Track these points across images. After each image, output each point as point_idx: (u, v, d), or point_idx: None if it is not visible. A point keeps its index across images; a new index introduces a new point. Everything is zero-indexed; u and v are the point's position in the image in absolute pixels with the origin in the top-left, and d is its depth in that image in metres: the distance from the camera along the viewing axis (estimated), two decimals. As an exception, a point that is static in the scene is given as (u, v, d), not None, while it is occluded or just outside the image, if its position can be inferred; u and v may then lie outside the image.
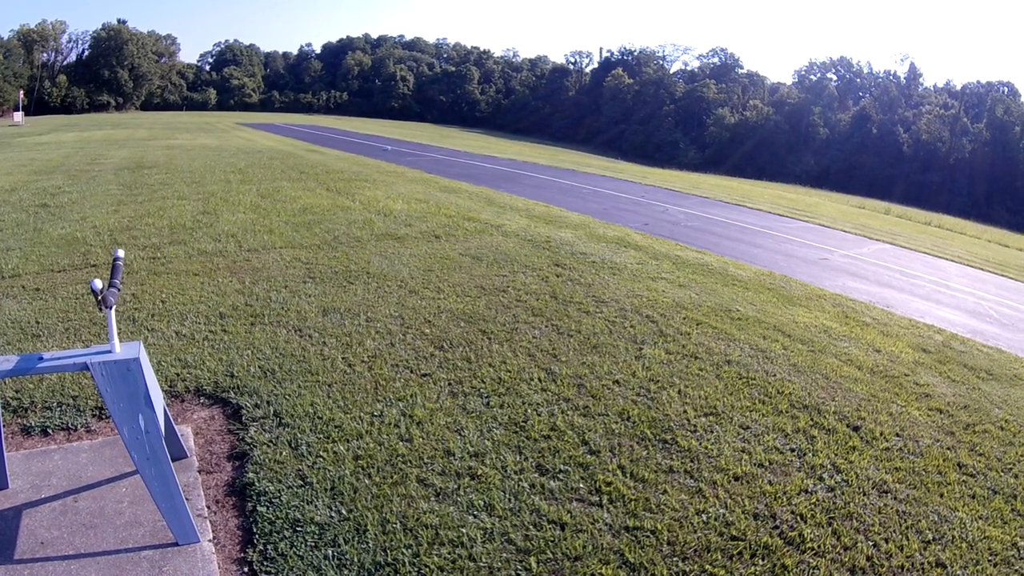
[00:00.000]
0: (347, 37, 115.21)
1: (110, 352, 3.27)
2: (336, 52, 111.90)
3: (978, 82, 78.75)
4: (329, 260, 8.85)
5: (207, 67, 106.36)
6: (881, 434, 5.56)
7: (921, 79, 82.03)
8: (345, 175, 18.12)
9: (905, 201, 50.93)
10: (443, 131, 67.86)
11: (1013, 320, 11.32)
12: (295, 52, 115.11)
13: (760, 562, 3.80)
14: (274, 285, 7.64)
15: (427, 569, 3.43)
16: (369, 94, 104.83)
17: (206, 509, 3.80)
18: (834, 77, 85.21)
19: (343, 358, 5.80)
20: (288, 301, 7.12)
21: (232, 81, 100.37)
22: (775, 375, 6.48)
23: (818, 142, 74.71)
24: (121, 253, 3.62)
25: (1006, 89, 76.82)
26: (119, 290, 3.32)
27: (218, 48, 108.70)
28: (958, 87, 79.61)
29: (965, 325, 10.15)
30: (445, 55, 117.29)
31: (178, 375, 5.29)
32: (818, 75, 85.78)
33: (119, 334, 5.75)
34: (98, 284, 3.09)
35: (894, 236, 20.63)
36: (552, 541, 3.73)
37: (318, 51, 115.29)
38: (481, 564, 3.51)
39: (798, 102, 79.62)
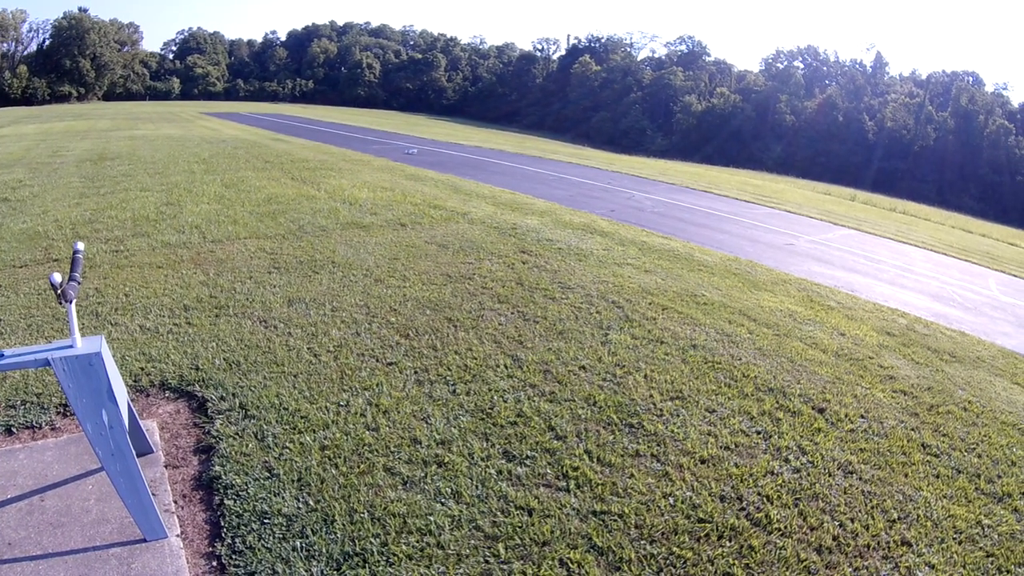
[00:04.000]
0: (313, 24, 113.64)
1: (71, 347, 3.21)
2: (301, 39, 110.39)
3: (943, 72, 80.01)
4: (294, 250, 8.77)
5: (170, 56, 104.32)
6: (846, 416, 5.65)
7: (887, 68, 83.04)
8: (310, 164, 17.95)
9: (871, 188, 51.70)
10: (409, 119, 67.38)
11: (976, 304, 11.54)
12: (260, 40, 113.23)
13: (727, 544, 3.85)
14: (239, 276, 7.55)
15: (395, 558, 3.43)
16: (335, 82, 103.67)
17: (173, 504, 3.76)
18: (801, 65, 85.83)
19: (308, 348, 5.75)
20: (253, 292, 7.05)
21: (196, 70, 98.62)
22: (741, 359, 6.55)
23: (785, 129, 75.31)
24: (81, 246, 3.56)
25: (971, 79, 78.10)
26: (79, 284, 3.26)
27: (181, 36, 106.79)
28: (924, 76, 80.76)
29: (929, 309, 10.33)
30: (411, 42, 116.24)
31: (142, 369, 5.22)
32: (785, 63, 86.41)
33: (82, 329, 5.68)
34: (57, 278, 3.04)
35: (859, 222, 20.92)
36: (520, 527, 3.74)
37: (283, 39, 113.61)
38: (449, 551, 3.51)
39: (765, 90, 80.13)
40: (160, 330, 5.95)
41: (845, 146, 70.73)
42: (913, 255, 16.18)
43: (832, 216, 21.19)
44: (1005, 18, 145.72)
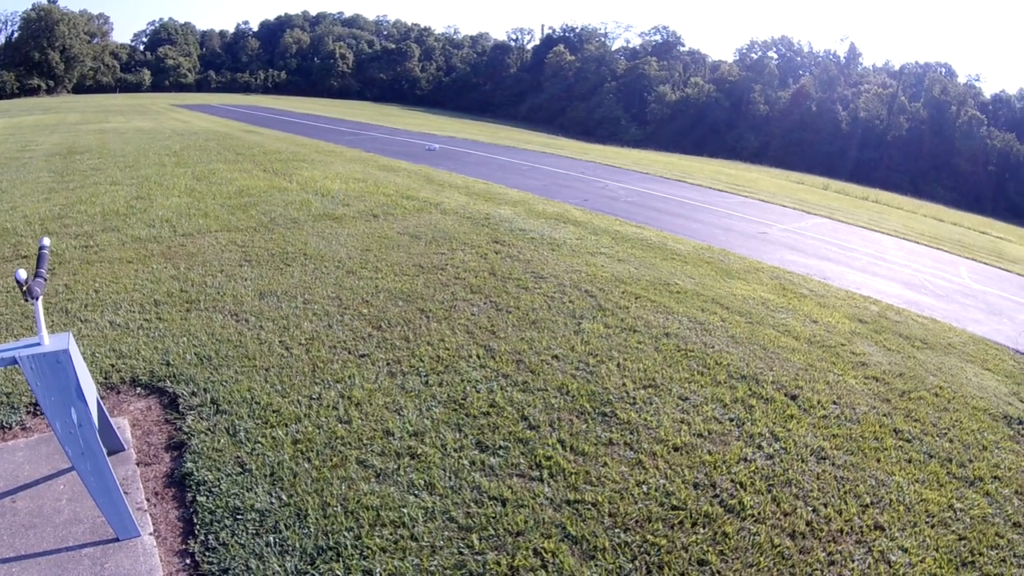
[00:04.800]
0: (285, 15, 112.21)
1: (39, 344, 3.16)
2: (274, 30, 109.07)
3: (917, 63, 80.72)
4: (266, 242, 8.69)
5: (141, 47, 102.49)
6: (818, 402, 5.71)
7: (861, 59, 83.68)
8: (282, 155, 17.80)
9: (844, 177, 52.11)
10: (383, 109, 66.97)
11: (947, 291, 11.69)
12: (232, 30, 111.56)
13: (701, 530, 3.88)
14: (210, 270, 7.48)
15: (369, 551, 3.42)
16: (308, 73, 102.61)
17: (145, 502, 3.72)
18: (775, 56, 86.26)
19: (280, 341, 5.72)
20: (224, 285, 6.98)
21: (167, 61, 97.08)
22: (713, 347, 6.59)
23: (758, 119, 75.73)
24: (47, 241, 3.50)
25: (944, 70, 78.97)
26: (46, 280, 3.22)
27: (152, 27, 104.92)
28: (897, 67, 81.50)
29: (901, 296, 10.45)
30: (385, 32, 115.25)
31: (113, 366, 5.15)
32: (759, 53, 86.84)
33: (51, 326, 5.62)
34: (22, 274, 2.99)
35: (832, 211, 21.09)
36: (494, 517, 3.75)
37: (255, 29, 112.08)
38: (423, 543, 3.51)
39: (739, 80, 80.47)
40: (130, 326, 5.87)
41: (819, 136, 71.27)
42: (885, 243, 16.35)
43: (805, 205, 21.34)
44: (978, 9, 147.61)
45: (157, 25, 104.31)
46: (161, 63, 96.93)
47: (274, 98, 77.53)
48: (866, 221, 20.03)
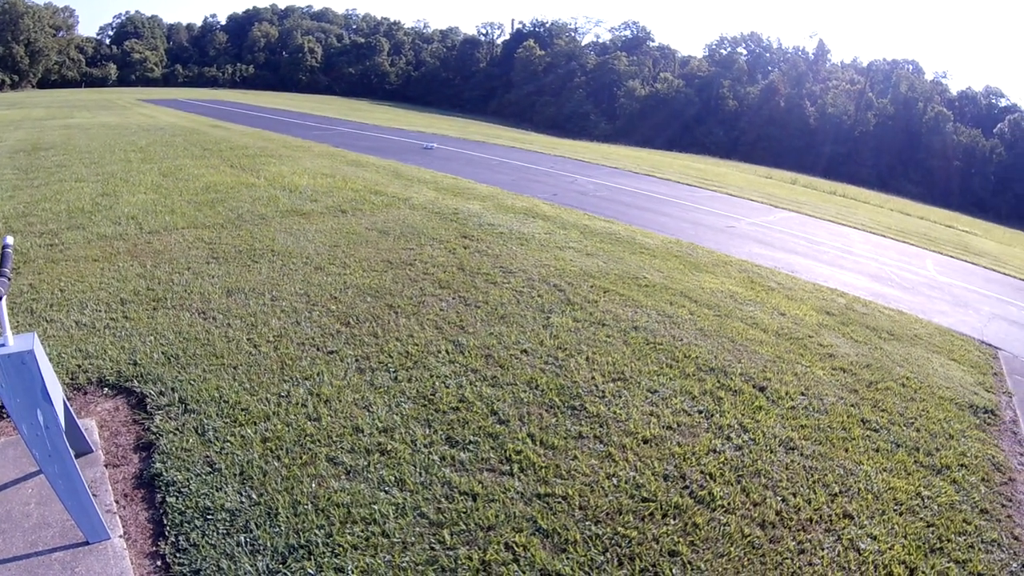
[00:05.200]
0: (253, 8, 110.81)
1: (3, 345, 3.12)
2: (242, 23, 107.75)
3: (884, 59, 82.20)
4: (233, 239, 8.60)
5: (107, 41, 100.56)
6: (787, 393, 5.80)
7: (829, 56, 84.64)
8: (250, 151, 17.60)
9: (811, 172, 52.71)
10: (352, 104, 66.51)
11: (913, 284, 11.89)
12: (199, 24, 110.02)
13: (672, 522, 3.93)
14: (176, 267, 7.39)
15: (341, 549, 3.43)
16: (276, 67, 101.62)
17: (115, 504, 3.68)
18: (744, 52, 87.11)
19: (248, 339, 5.67)
20: (191, 283, 6.90)
21: (133, 55, 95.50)
22: (682, 340, 6.66)
23: (728, 114, 76.46)
24: (10, 240, 3.45)
25: (911, 67, 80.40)
26: (9, 280, 3.17)
27: (118, 20, 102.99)
28: (865, 64, 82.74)
29: (868, 289, 10.62)
30: (354, 26, 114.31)
31: (79, 366, 5.07)
32: (729, 49, 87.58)
33: (16, 327, 5.52)
34: None
35: (800, 205, 21.34)
36: (465, 512, 3.77)
37: (223, 22, 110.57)
38: (395, 540, 3.52)
39: (708, 75, 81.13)
40: (97, 325, 5.79)
41: (787, 131, 72.13)
42: (853, 237, 16.58)
43: (773, 199, 21.56)
44: (946, 8, 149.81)
45: (123, 18, 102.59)
46: (127, 57, 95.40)
47: (242, 93, 76.70)
48: (834, 215, 20.30)
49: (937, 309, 10.21)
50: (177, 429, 4.31)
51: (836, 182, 43.41)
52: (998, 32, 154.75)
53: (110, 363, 5.13)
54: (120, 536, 3.45)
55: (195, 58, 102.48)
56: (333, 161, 16.93)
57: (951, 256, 16.77)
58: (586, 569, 3.50)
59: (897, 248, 16.22)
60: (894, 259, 14.28)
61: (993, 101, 75.96)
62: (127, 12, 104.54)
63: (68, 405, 3.77)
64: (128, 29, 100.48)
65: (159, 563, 3.31)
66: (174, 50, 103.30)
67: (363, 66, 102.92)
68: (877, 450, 5.13)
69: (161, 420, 4.40)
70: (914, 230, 21.39)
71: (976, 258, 17.46)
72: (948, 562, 4.00)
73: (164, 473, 3.88)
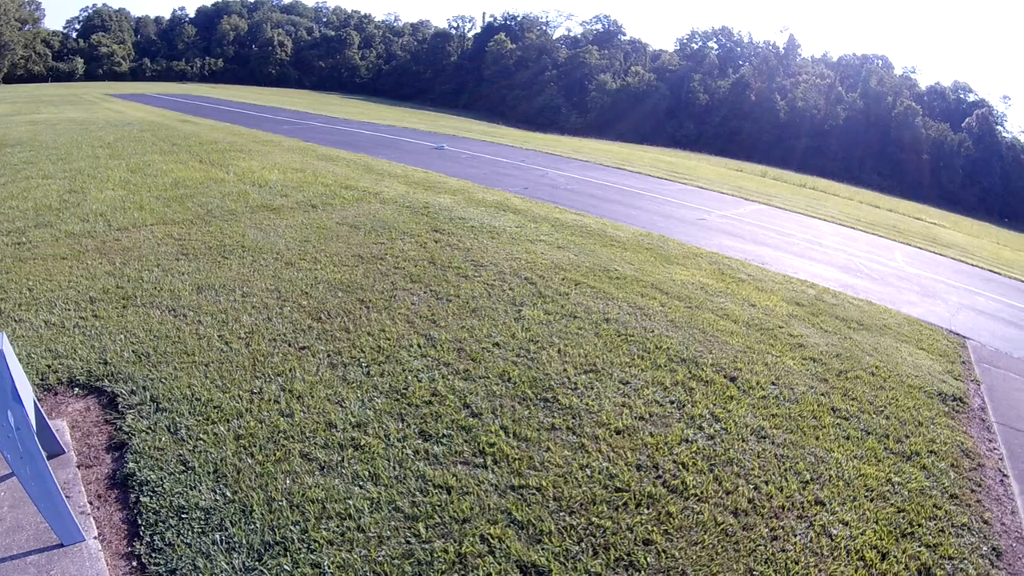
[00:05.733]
0: (223, 1, 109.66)
1: None
2: (211, 16, 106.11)
3: (854, 54, 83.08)
4: (203, 235, 8.52)
5: (74, 34, 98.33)
6: (757, 383, 5.89)
7: (799, 50, 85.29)
8: (219, 146, 17.39)
9: (782, 164, 53.28)
10: (322, 98, 65.91)
11: (882, 274, 12.07)
12: (168, 17, 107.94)
13: (645, 511, 3.98)
14: (146, 264, 7.31)
15: (316, 544, 3.44)
16: (246, 60, 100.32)
17: (88, 505, 3.66)
18: (715, 46, 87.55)
19: (219, 336, 5.64)
20: (161, 280, 6.83)
21: (101, 49, 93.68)
22: (653, 331, 6.72)
23: (699, 108, 76.87)
24: None
25: (880, 61, 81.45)
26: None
27: (85, 13, 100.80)
28: (835, 58, 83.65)
29: (837, 280, 10.76)
30: (325, 19, 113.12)
31: (49, 367, 5.00)
32: (700, 43, 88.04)
33: (-20, 326, 5.42)
34: None
35: (770, 197, 21.54)
36: (439, 505, 3.79)
37: (192, 15, 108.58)
38: (370, 534, 3.54)
39: (680, 69, 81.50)
40: (66, 324, 5.72)
41: (758, 125, 72.69)
42: (822, 229, 16.78)
43: (743, 192, 21.75)
44: (916, 3, 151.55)
45: (90, 11, 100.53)
46: (95, 51, 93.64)
47: (211, 87, 75.66)
48: (803, 207, 20.52)
49: (906, 299, 10.38)
50: (149, 428, 4.28)
51: (806, 175, 43.95)
52: (967, 27, 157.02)
53: (80, 363, 5.07)
54: (95, 537, 3.42)
55: (163, 52, 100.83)
56: (303, 156, 16.80)
57: (920, 248, 17.05)
58: (561, 560, 3.53)
59: (866, 240, 16.44)
60: (863, 250, 14.48)
61: (961, 96, 77.25)
62: (94, 5, 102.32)
63: (39, 406, 3.74)
64: (95, 22, 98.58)
65: (135, 563, 3.29)
66: (142, 44, 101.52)
67: (333, 60, 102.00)
68: (847, 438, 5.24)
69: (133, 419, 4.37)
70: (883, 222, 21.69)
71: (944, 249, 17.76)
72: (919, 546, 4.10)
73: (137, 473, 3.85)
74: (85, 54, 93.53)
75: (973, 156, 69.21)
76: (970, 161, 69.06)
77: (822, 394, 5.94)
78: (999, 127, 73.98)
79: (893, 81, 76.10)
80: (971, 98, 76.83)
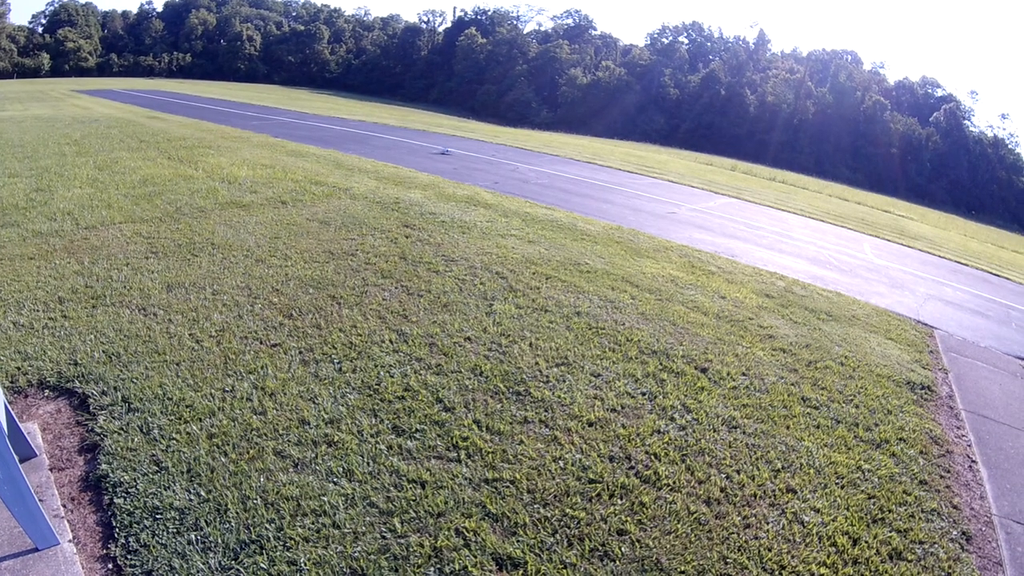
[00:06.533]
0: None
1: None
2: (179, 10, 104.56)
3: (823, 49, 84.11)
4: (172, 233, 8.44)
5: (40, 29, 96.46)
6: (728, 374, 5.98)
7: (769, 45, 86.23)
8: (188, 142, 17.22)
9: (751, 158, 53.77)
10: (291, 93, 65.37)
11: (851, 266, 12.26)
12: (135, 11, 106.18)
13: (619, 502, 4.04)
14: (115, 263, 7.23)
15: (292, 542, 3.45)
16: (214, 55, 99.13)
17: (62, 508, 3.63)
18: (686, 41, 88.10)
19: (190, 334, 5.60)
20: (130, 279, 6.77)
21: (67, 44, 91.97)
22: (624, 324, 6.79)
23: (669, 102, 77.28)
24: None
25: (849, 56, 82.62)
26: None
27: (51, 8, 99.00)
28: (804, 53, 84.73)
29: (807, 272, 10.92)
30: (294, 13, 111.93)
31: (19, 368, 4.94)
32: (670, 38, 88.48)
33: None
34: None
35: (740, 191, 21.74)
36: (414, 500, 3.82)
37: (160, 9, 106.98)
38: (346, 530, 3.56)
39: (650, 64, 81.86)
40: (35, 325, 5.65)
41: (727, 119, 73.29)
42: (792, 222, 16.99)
43: (713, 185, 21.93)
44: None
45: (57, 6, 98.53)
46: (61, 46, 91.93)
47: (179, 82, 74.68)
48: (773, 201, 20.75)
49: (874, 291, 10.55)
50: (121, 429, 4.25)
51: (776, 169, 44.30)
52: (936, 23, 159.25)
53: (50, 364, 5.02)
54: (69, 541, 3.40)
55: (131, 47, 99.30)
56: (273, 151, 16.68)
57: (888, 240, 17.32)
58: (536, 551, 3.58)
59: (835, 232, 16.67)
60: (832, 243, 14.68)
61: (930, 91, 78.54)
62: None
63: (9, 409, 3.70)
64: (61, 17, 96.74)
65: (110, 566, 3.28)
66: (109, 39, 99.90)
67: (303, 54, 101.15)
68: (818, 426, 5.34)
69: (105, 420, 4.34)
70: (852, 215, 21.97)
71: (912, 241, 18.06)
72: (890, 531, 4.20)
73: (110, 474, 3.83)
74: (51, 49, 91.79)
75: (941, 150, 70.44)
76: (938, 155, 70.28)
77: (792, 384, 6.04)
78: (966, 121, 75.52)
79: (862, 76, 77.10)
80: (939, 93, 78.18)
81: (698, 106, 75.47)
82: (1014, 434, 6.16)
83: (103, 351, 5.23)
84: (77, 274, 6.87)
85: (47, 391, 4.76)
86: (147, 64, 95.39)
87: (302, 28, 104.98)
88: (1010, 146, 74.57)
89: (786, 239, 13.94)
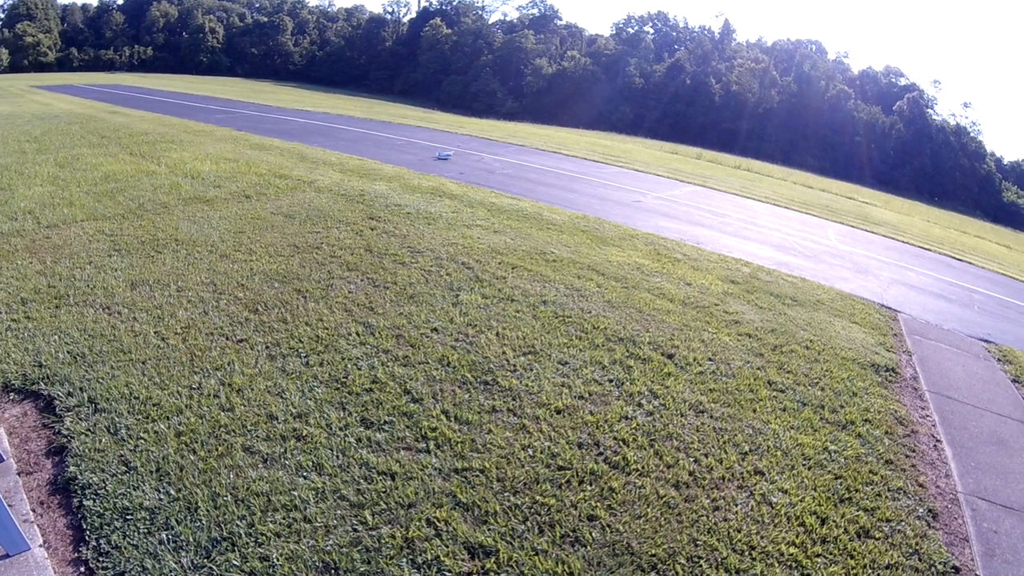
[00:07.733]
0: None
1: None
2: (140, 3, 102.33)
3: (788, 39, 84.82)
4: (135, 230, 8.33)
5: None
6: (695, 360, 6.06)
7: (735, 35, 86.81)
8: (150, 137, 16.96)
9: (717, 147, 54.05)
10: (255, 86, 64.47)
11: (815, 252, 12.44)
12: (95, 4, 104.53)
13: (588, 488, 4.10)
14: (78, 262, 7.13)
15: (264, 537, 3.46)
16: (176, 48, 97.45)
17: (32, 513, 3.61)
18: (651, 30, 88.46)
19: (155, 332, 5.56)
20: (94, 278, 6.68)
21: (25, 39, 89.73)
22: (590, 312, 6.85)
23: (634, 92, 77.45)
24: None
25: (814, 47, 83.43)
26: None
27: (9, 2, 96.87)
28: (769, 43, 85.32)
29: (772, 258, 11.07)
30: (257, 5, 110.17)
31: (-18, 371, 4.89)
32: (636, 28, 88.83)
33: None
34: None
35: (705, 179, 21.91)
36: (384, 492, 3.85)
37: (120, 2, 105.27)
38: (317, 524, 3.57)
39: (615, 53, 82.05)
40: (-3, 327, 5.58)
41: (693, 108, 73.71)
42: (757, 209, 17.17)
43: (679, 174, 22.06)
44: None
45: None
46: (19, 41, 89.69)
47: (141, 76, 73.27)
48: (738, 188, 20.94)
49: (839, 276, 10.73)
50: (89, 430, 4.22)
51: (741, 157, 44.69)
52: (900, 14, 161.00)
53: (14, 366, 4.95)
54: (40, 545, 3.39)
55: (91, 41, 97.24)
56: (236, 145, 16.49)
57: (852, 226, 17.59)
58: (508, 539, 3.63)
59: (800, 219, 16.89)
60: (797, 229, 14.88)
61: (893, 80, 79.71)
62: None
63: (-27, 412, 3.67)
64: (20, 11, 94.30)
65: (82, 569, 3.27)
66: (69, 32, 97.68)
67: (266, 46, 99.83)
68: (784, 409, 5.44)
69: (71, 422, 4.31)
70: (816, 202, 22.26)
71: (876, 227, 18.36)
72: (857, 511, 4.31)
73: (79, 476, 3.81)
74: (9, 44, 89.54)
75: (904, 138, 71.55)
76: (902, 143, 71.39)
77: (758, 368, 6.14)
78: (929, 110, 76.77)
79: (826, 66, 78.01)
80: (902, 82, 79.42)
81: (665, 96, 75.79)
82: (977, 414, 6.32)
83: (68, 351, 5.18)
84: (39, 274, 6.77)
85: (12, 394, 4.70)
86: (108, 58, 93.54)
87: (265, 20, 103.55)
88: (972, 134, 76.17)
89: (751, 226, 14.10)
